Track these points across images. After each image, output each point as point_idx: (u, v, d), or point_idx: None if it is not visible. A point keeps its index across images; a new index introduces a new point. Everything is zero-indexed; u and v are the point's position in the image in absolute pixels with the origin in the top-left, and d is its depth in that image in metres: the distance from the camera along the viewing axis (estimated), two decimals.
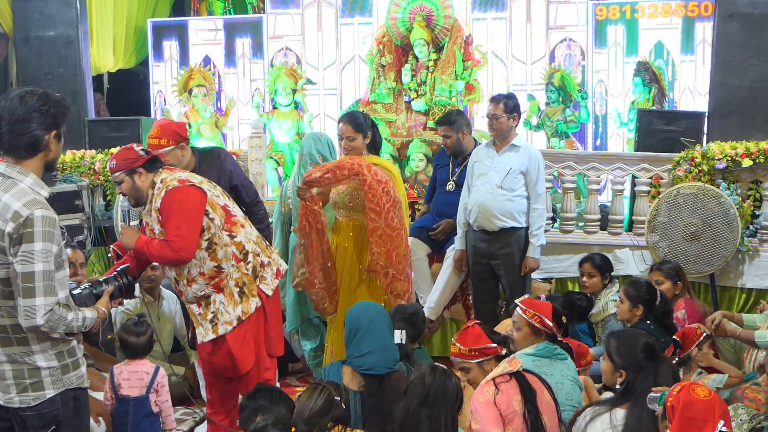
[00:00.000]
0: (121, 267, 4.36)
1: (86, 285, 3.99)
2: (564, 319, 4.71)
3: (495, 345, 4.41)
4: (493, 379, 4.08)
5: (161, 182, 4.65)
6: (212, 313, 4.77)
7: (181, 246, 4.54)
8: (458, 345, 4.38)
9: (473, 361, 4.35)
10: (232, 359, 4.80)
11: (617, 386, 3.94)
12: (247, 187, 6.05)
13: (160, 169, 4.71)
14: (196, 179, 4.72)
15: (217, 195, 4.77)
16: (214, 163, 5.91)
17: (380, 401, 4.22)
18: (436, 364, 4.01)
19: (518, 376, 4.11)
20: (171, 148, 5.54)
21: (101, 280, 4.09)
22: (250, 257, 4.81)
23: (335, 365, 4.48)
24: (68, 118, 3.66)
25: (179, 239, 4.54)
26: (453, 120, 6.86)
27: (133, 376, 5.01)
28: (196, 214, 4.61)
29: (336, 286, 5.89)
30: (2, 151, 3.57)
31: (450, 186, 6.94)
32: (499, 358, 4.34)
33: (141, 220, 4.92)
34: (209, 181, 4.86)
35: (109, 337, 5.56)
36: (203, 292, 4.76)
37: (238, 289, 4.75)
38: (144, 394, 4.97)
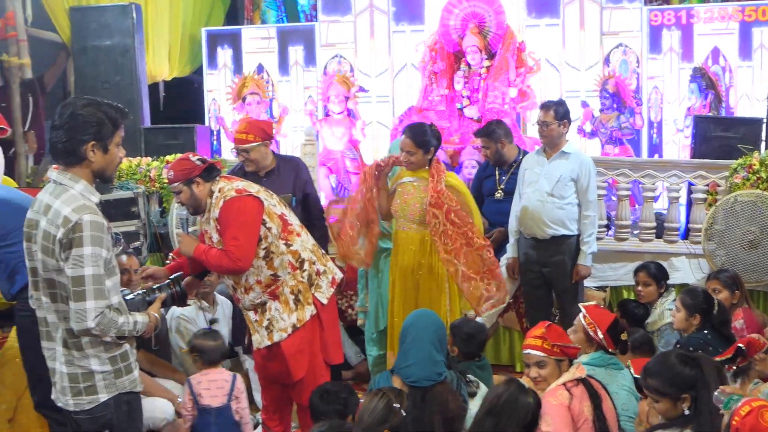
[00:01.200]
0: (174, 275, 4.38)
1: (139, 291, 4.03)
2: (624, 336, 4.66)
3: (576, 346, 4.36)
4: (564, 383, 4.05)
5: (219, 191, 4.69)
6: (267, 320, 4.80)
7: (239, 256, 4.57)
8: (546, 338, 4.30)
9: (553, 358, 4.31)
10: (286, 366, 4.83)
11: (686, 412, 3.79)
12: (316, 201, 6.18)
13: (218, 178, 4.76)
14: (254, 188, 4.76)
15: (273, 204, 4.80)
16: (292, 170, 6.10)
17: (421, 413, 4.20)
18: (517, 378, 3.94)
19: (585, 382, 4.08)
20: (257, 144, 5.75)
21: (154, 287, 4.12)
22: (306, 265, 4.83)
23: (385, 375, 4.51)
24: (114, 129, 3.65)
25: (237, 249, 4.57)
26: (490, 131, 6.86)
27: (213, 385, 4.98)
28: (253, 223, 4.64)
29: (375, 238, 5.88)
30: (53, 157, 3.66)
31: (498, 195, 6.93)
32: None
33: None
34: (266, 190, 4.91)
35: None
36: (260, 300, 4.80)
37: (293, 297, 4.77)
38: (226, 403, 4.95)
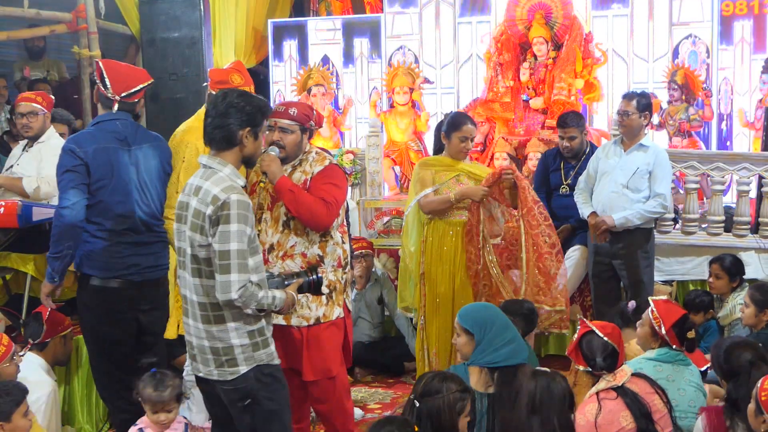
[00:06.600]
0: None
1: (279, 274, 4.28)
2: (692, 335, 4.58)
3: None
4: (597, 394, 3.98)
5: (316, 153, 4.74)
6: None
7: (334, 212, 4.56)
8: None
9: None
10: (320, 354, 4.69)
11: None
12: None
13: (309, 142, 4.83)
14: None
15: None
16: None
17: (510, 391, 4.01)
18: (539, 368, 3.93)
19: (623, 392, 3.98)
20: None
21: (294, 273, 4.31)
22: (347, 270, 4.83)
23: (460, 368, 4.33)
24: (263, 119, 3.98)
25: (334, 205, 4.55)
26: (581, 120, 6.82)
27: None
28: (344, 197, 4.72)
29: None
30: (206, 142, 3.95)
31: (564, 189, 6.89)
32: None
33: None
34: None
35: None
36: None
37: (327, 291, 4.67)
38: None
